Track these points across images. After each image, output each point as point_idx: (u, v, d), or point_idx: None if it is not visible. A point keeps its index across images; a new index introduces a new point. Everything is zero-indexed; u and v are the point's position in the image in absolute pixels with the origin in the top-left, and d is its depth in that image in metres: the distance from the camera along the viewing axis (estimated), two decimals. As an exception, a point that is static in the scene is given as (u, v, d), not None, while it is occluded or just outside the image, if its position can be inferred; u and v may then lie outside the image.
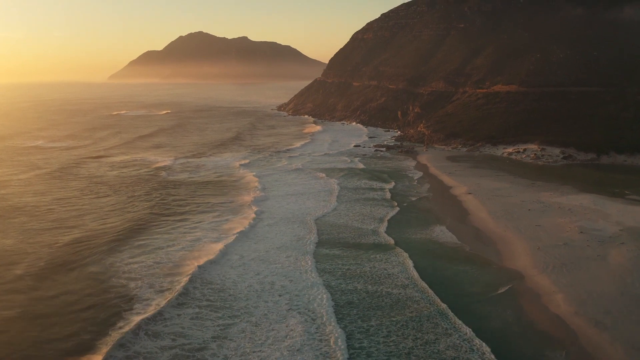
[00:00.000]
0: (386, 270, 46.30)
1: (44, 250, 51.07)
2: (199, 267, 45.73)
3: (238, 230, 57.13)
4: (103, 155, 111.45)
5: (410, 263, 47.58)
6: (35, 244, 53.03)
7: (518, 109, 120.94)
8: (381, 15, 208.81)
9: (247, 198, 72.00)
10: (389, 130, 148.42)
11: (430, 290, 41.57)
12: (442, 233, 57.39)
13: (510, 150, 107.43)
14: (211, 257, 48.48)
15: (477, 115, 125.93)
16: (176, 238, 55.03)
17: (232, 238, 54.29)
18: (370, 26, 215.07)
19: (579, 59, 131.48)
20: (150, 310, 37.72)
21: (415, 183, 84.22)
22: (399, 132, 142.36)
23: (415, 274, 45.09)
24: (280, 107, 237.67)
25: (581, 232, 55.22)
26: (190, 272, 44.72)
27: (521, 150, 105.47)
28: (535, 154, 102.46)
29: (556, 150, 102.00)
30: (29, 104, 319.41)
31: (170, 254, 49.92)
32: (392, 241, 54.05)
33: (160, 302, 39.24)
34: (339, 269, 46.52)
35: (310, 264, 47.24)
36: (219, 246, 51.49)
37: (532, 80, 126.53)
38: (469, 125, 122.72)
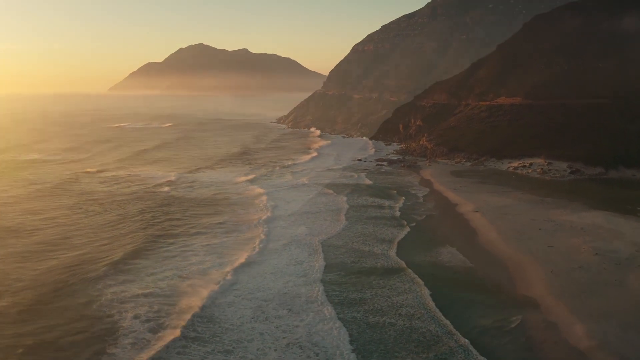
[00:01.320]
0: (400, 298, 44.27)
1: (27, 276, 48.47)
2: (202, 298, 43.52)
3: (242, 255, 54.85)
4: (101, 170, 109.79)
5: (425, 292, 45.55)
6: (20, 269, 50.54)
7: (522, 122, 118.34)
8: (382, 27, 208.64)
9: (254, 217, 70.25)
10: (390, 144, 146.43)
11: (448, 323, 39.57)
12: (452, 256, 55.55)
13: (515, 164, 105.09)
14: (215, 287, 46.06)
15: (480, 128, 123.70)
16: (177, 263, 52.72)
17: (236, 263, 52.35)
18: (370, 38, 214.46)
19: (583, 70, 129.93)
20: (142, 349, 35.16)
21: (421, 200, 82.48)
22: (400, 146, 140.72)
23: (432, 304, 43.14)
24: (280, 120, 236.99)
25: (596, 253, 53.33)
26: (191, 305, 42.36)
27: (527, 164, 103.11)
28: (541, 169, 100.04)
29: (563, 165, 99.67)
30: (28, 116, 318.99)
31: (168, 282, 47.60)
32: (404, 265, 52.24)
33: (152, 340, 36.46)
34: (351, 298, 44.30)
35: (319, 291, 45.28)
36: (222, 274, 49.36)
37: (537, 93, 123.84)
38: (473, 138, 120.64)
